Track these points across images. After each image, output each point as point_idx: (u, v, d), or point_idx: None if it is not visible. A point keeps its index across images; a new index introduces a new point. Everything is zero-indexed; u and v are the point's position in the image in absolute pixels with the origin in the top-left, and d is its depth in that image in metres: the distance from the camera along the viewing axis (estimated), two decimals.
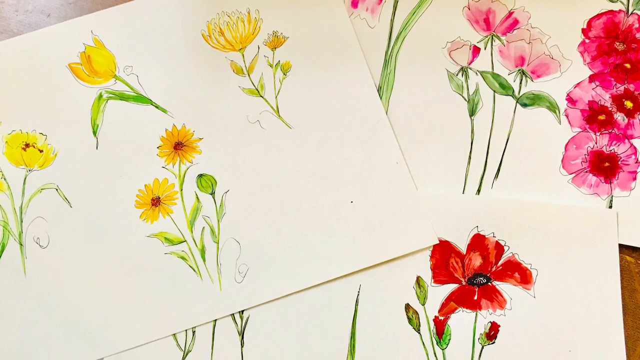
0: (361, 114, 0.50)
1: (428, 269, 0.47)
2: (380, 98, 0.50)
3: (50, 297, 0.47)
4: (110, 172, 0.49)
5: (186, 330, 0.47)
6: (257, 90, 0.51)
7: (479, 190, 0.49)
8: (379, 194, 0.48)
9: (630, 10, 0.50)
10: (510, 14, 0.51)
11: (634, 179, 0.48)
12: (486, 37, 0.51)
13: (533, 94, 0.50)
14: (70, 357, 0.46)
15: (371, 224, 0.48)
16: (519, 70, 0.50)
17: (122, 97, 0.51)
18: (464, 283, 0.47)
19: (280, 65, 0.51)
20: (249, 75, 0.51)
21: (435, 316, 0.47)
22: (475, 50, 0.51)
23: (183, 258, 0.48)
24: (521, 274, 0.47)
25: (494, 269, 0.47)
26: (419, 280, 0.47)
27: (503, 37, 0.51)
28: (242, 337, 0.47)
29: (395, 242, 0.47)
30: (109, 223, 0.48)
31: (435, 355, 0.46)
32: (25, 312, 0.47)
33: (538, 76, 0.50)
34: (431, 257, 0.47)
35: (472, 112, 0.50)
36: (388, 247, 0.47)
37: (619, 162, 0.48)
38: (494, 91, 0.50)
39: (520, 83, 0.50)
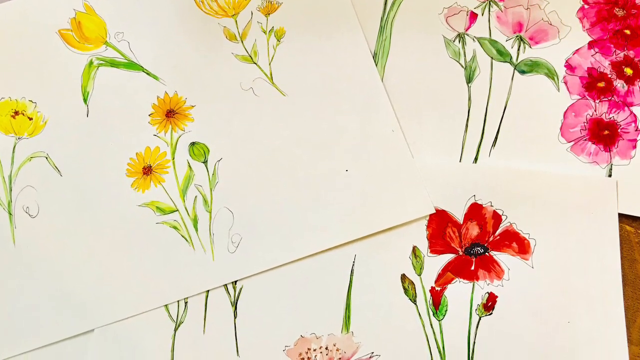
0: (356, 81, 0.49)
1: (424, 238, 0.46)
2: (376, 65, 0.49)
3: (40, 267, 0.46)
4: (101, 140, 0.48)
5: (178, 301, 0.46)
6: (250, 57, 0.50)
7: (476, 159, 0.48)
8: (375, 163, 0.47)
9: None
10: None
11: (634, 147, 0.47)
12: (483, 2, 0.50)
13: (531, 61, 0.49)
14: (60, 329, 0.45)
15: (367, 193, 0.47)
16: (517, 36, 0.49)
17: (112, 63, 0.50)
18: (460, 253, 0.46)
19: (274, 32, 0.50)
20: (242, 41, 0.50)
21: (432, 287, 0.46)
22: (473, 17, 0.50)
23: (175, 228, 0.47)
24: (519, 244, 0.46)
25: (491, 239, 0.46)
26: (415, 251, 0.46)
27: (500, 3, 0.50)
28: (235, 308, 0.46)
29: (391, 211, 0.46)
30: (100, 192, 0.47)
31: (432, 327, 0.45)
32: (14, 282, 0.46)
33: (536, 42, 0.49)
34: (427, 226, 0.47)
35: (469, 79, 0.49)
36: (383, 217, 0.46)
37: (619, 130, 0.47)
38: (492, 58, 0.49)
39: (519, 49, 0.49)
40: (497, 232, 0.46)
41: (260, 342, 0.45)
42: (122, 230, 0.47)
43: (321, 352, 0.45)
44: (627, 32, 0.48)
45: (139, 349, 0.45)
